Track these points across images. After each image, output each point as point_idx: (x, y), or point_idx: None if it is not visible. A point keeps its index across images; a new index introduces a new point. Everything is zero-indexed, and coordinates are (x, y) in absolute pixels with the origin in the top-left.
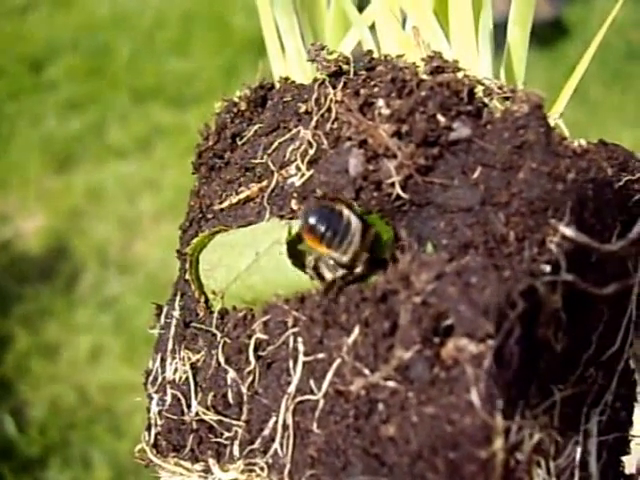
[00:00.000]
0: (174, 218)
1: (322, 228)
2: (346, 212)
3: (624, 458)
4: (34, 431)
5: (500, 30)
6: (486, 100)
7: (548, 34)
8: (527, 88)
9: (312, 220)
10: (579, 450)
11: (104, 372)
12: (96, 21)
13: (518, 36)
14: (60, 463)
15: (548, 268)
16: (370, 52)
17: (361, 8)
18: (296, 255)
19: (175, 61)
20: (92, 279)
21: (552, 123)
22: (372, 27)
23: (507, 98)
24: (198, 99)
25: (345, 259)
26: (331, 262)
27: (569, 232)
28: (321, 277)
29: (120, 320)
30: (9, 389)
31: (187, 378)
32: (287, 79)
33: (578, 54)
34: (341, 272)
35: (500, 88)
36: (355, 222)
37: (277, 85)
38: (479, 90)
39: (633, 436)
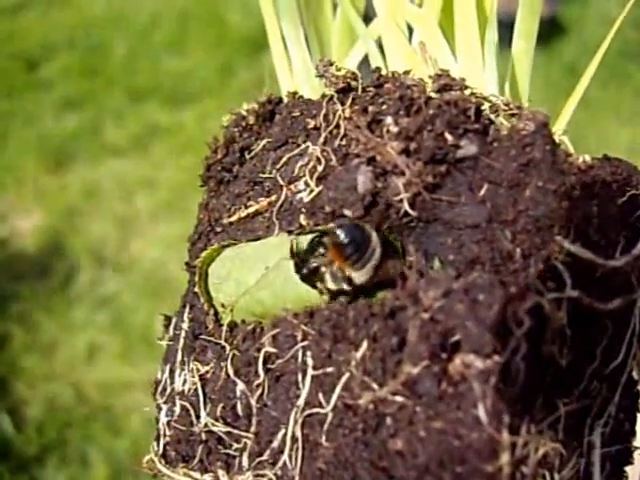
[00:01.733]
0: (170, 217)
1: (350, 247)
2: (374, 238)
3: (627, 468)
4: (31, 430)
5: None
6: (493, 117)
7: (544, 32)
8: (532, 103)
9: (343, 237)
10: (583, 462)
11: (101, 370)
12: (92, 19)
13: (523, 49)
14: (57, 462)
15: (554, 285)
16: (378, 69)
17: (368, 19)
18: (305, 270)
19: (171, 60)
20: (88, 277)
21: (557, 139)
22: (379, 39)
23: (513, 115)
24: (194, 98)
25: (359, 280)
26: (339, 275)
27: (574, 249)
28: (330, 292)
29: (117, 318)
30: (5, 388)
31: (196, 389)
32: (295, 94)
33: (573, 53)
34: (346, 286)
35: (506, 105)
36: (378, 251)
37: (285, 99)
38: (486, 107)
39: (636, 447)
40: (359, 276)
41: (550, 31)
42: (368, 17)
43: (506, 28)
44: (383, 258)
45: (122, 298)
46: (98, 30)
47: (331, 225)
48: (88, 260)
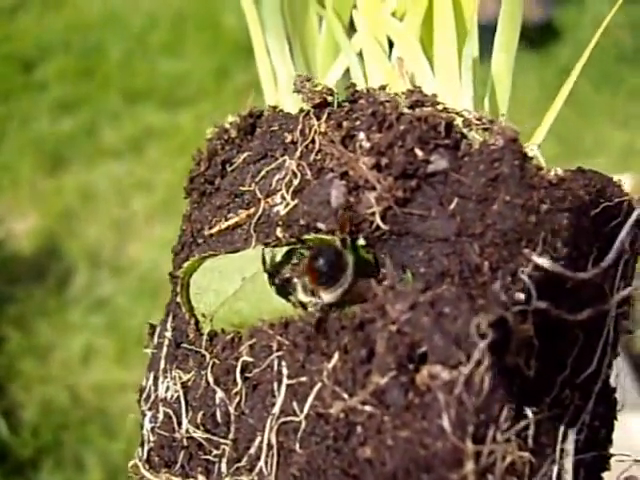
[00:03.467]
0: (166, 219)
1: (325, 275)
2: (350, 267)
3: (605, 475)
4: (26, 432)
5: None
6: (465, 131)
7: (539, 36)
8: (506, 120)
9: (322, 264)
10: (555, 469)
11: (96, 373)
12: (87, 21)
13: (503, 63)
14: (52, 464)
15: (520, 297)
16: (353, 85)
17: (353, 32)
18: (278, 282)
19: (167, 62)
20: (84, 280)
21: (530, 153)
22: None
23: (486, 129)
24: (190, 100)
25: (326, 299)
26: (309, 288)
27: (541, 262)
28: (303, 306)
29: (112, 321)
30: (1, 390)
31: (178, 397)
32: (275, 108)
33: (568, 56)
34: (314, 300)
35: (479, 119)
36: (350, 278)
37: (265, 113)
38: (458, 122)
39: (612, 454)
40: (327, 296)
41: (545, 34)
42: (354, 30)
43: (490, 33)
44: (355, 280)
45: (118, 301)
46: (94, 32)
47: (313, 249)
48: (84, 262)
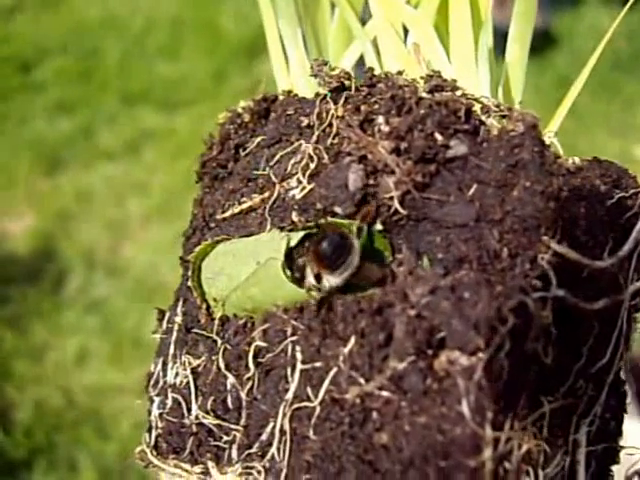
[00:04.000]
0: (162, 221)
1: (329, 259)
2: (355, 252)
3: (614, 468)
4: (19, 433)
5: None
6: (483, 118)
7: (537, 43)
8: (523, 107)
9: (325, 247)
10: (568, 459)
11: (90, 374)
12: (86, 23)
13: (517, 53)
14: (46, 466)
15: (539, 284)
16: (371, 69)
17: (365, 19)
18: (294, 267)
19: (165, 65)
20: (79, 281)
21: (547, 141)
22: (375, 39)
23: (504, 116)
24: (187, 103)
25: (331, 283)
26: (315, 271)
27: (560, 249)
28: (315, 289)
29: (107, 322)
30: None
31: (188, 382)
32: (290, 92)
33: (565, 63)
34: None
35: (497, 106)
36: (355, 263)
37: (280, 97)
38: (477, 108)
39: (622, 447)
40: (332, 280)
41: (542, 42)
42: (365, 18)
43: (500, 37)
44: (363, 264)
45: (113, 302)
46: (92, 34)
47: (319, 234)
48: (79, 264)
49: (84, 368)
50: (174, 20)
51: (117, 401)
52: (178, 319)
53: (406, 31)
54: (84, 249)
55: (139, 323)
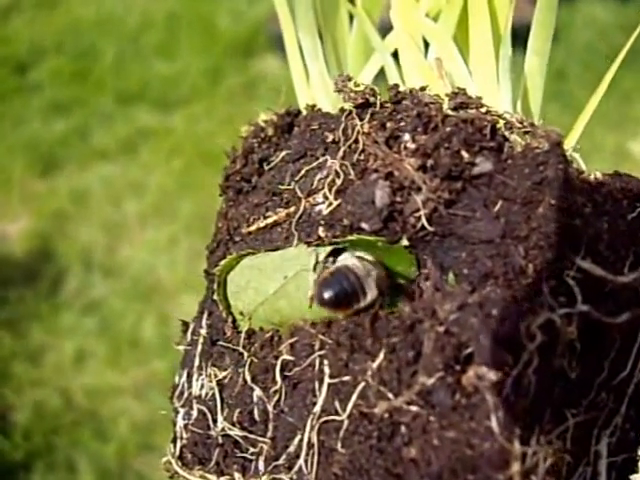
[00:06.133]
0: (159, 221)
1: (337, 300)
2: (359, 270)
3: (633, 477)
4: (18, 436)
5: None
6: (507, 134)
7: None
8: (545, 123)
9: (327, 295)
10: (589, 470)
11: (89, 376)
12: (81, 23)
13: (536, 65)
14: (44, 468)
15: (565, 300)
16: (396, 85)
17: (385, 31)
18: None
19: (160, 63)
20: (76, 282)
21: (569, 157)
22: (395, 52)
23: (527, 132)
24: (183, 101)
25: (364, 304)
26: None
27: (585, 265)
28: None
29: (105, 324)
30: None
31: (213, 394)
32: (314, 107)
33: (562, 57)
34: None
35: (520, 122)
36: (369, 283)
37: (304, 112)
38: (500, 124)
39: None
40: (364, 303)
41: None
42: (384, 29)
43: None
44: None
45: (110, 303)
46: (87, 34)
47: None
48: (76, 265)
49: (82, 369)
50: (169, 18)
51: (115, 402)
52: (203, 331)
53: (426, 44)
54: (81, 250)
55: (136, 323)
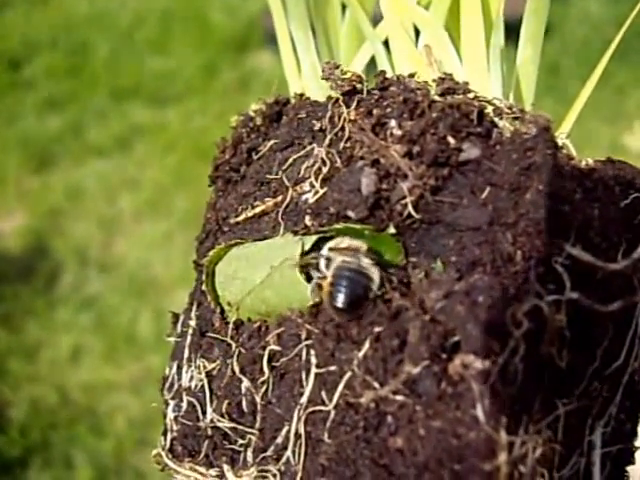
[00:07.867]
0: (154, 216)
1: (352, 301)
2: (373, 274)
3: (629, 468)
4: (14, 432)
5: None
6: (496, 120)
7: None
8: (535, 109)
9: (340, 304)
10: (583, 461)
11: (85, 372)
12: (74, 19)
13: (530, 54)
14: (41, 464)
15: (553, 287)
16: (383, 72)
17: (376, 21)
18: (307, 271)
19: (154, 59)
20: (72, 278)
21: (560, 143)
22: (387, 41)
23: (516, 118)
24: (177, 97)
25: (377, 285)
26: None
27: (574, 252)
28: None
29: (100, 319)
30: None
31: (202, 386)
32: (302, 95)
33: (556, 50)
34: None
35: (509, 108)
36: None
37: (292, 101)
38: (489, 110)
39: (637, 447)
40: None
41: None
42: (376, 19)
43: (511, 30)
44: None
45: (106, 299)
46: (81, 30)
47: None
48: (72, 261)
49: (78, 365)
50: (163, 15)
51: (112, 398)
52: (192, 323)
53: (417, 32)
54: (76, 246)
55: (132, 319)
